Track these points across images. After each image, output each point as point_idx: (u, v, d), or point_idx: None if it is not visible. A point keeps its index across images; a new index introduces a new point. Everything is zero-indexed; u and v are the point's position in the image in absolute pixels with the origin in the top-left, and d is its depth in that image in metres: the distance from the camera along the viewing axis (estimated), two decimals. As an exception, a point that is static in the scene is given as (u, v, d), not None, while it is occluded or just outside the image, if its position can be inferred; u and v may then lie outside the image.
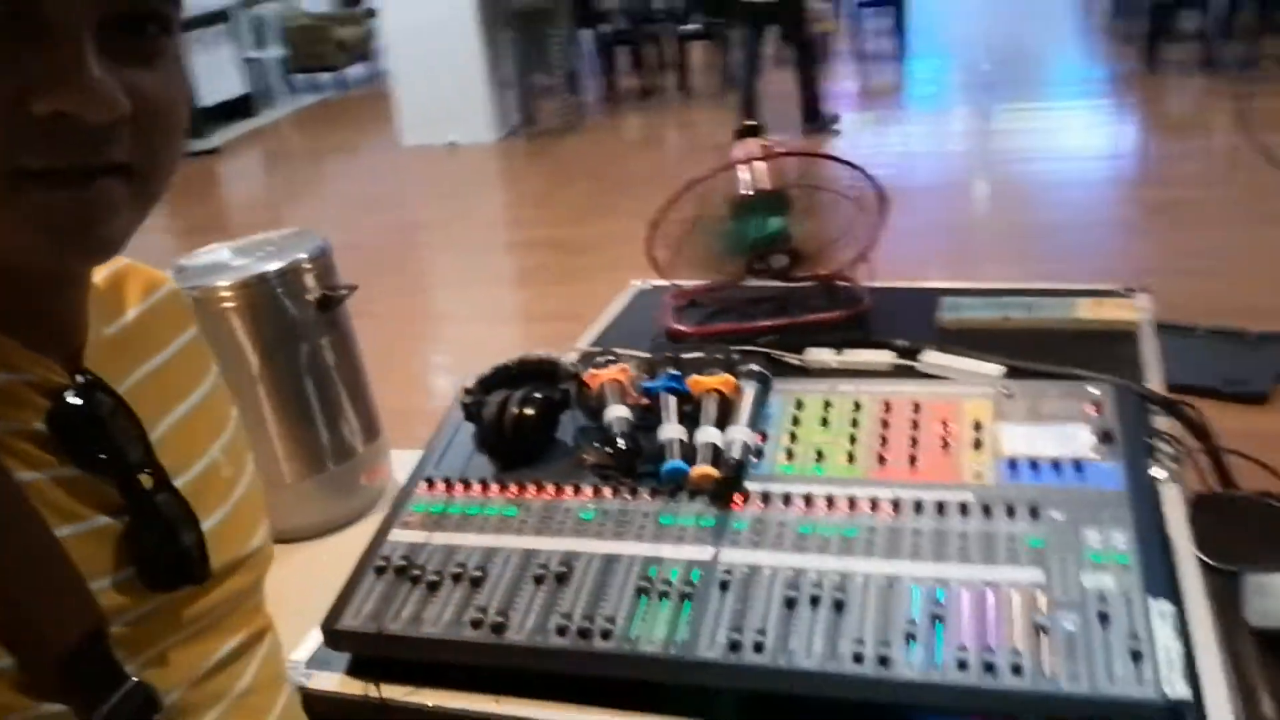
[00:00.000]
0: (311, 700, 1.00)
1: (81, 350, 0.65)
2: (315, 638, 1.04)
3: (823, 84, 7.00)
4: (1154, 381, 1.35)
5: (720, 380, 1.14)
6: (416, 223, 6.19)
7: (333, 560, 1.08)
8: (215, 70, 8.59)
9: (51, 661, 0.57)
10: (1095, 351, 1.44)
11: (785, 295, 1.76)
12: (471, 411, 1.19)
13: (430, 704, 0.97)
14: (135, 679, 0.61)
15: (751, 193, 1.69)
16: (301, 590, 0.97)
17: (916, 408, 1.14)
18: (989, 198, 5.64)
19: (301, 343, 1.37)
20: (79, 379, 0.63)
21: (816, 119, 6.83)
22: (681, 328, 1.70)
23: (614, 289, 4.97)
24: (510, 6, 7.14)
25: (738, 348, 1.41)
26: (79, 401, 0.61)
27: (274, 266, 1.34)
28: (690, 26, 8.45)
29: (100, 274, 0.69)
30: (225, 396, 0.79)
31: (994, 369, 1.39)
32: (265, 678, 0.75)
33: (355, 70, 10.18)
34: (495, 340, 4.42)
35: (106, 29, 0.52)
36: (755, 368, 1.17)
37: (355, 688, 1.00)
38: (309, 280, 1.37)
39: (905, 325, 1.58)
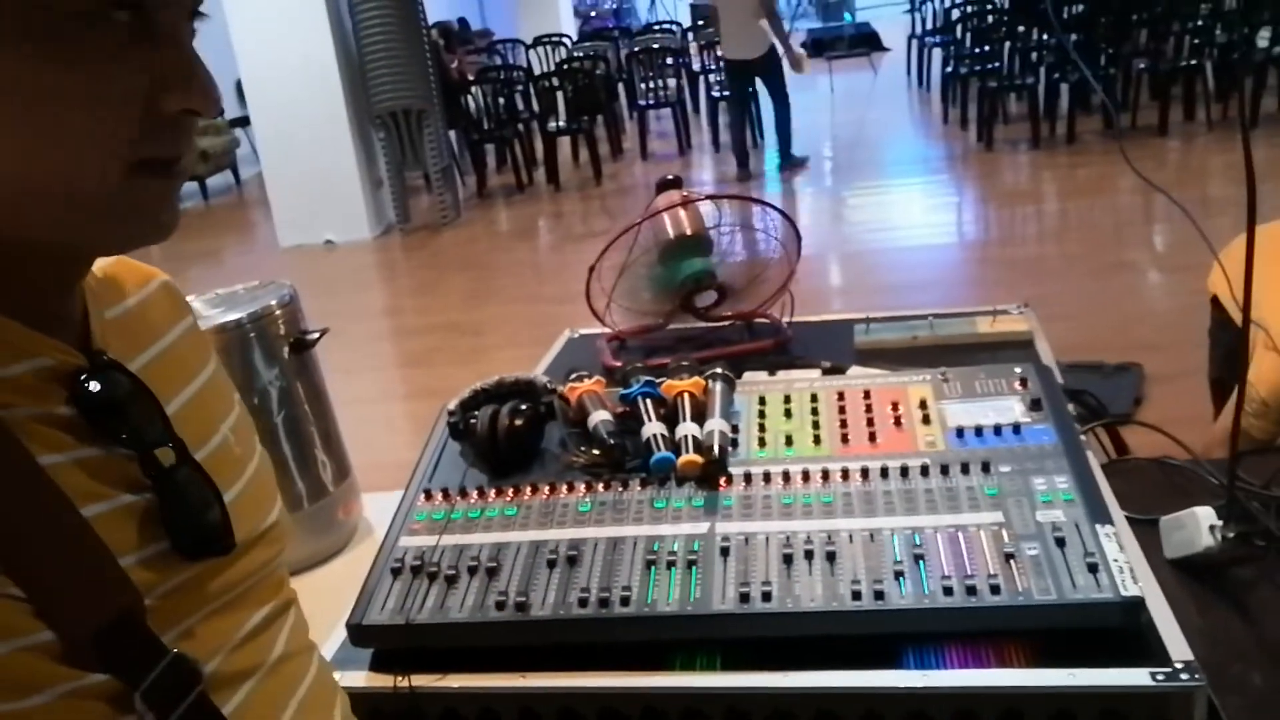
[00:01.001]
0: (337, 701, 1.05)
1: (88, 333, 0.67)
2: (331, 643, 1.09)
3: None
4: (1055, 376, 1.52)
5: (691, 383, 1.26)
6: (298, 320, 6.16)
7: (320, 590, 1.13)
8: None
9: (91, 638, 0.58)
10: (998, 358, 1.61)
11: (710, 332, 1.90)
12: (458, 428, 1.27)
13: (457, 686, 1.03)
14: (175, 650, 0.63)
15: (675, 236, 1.83)
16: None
17: (867, 394, 1.28)
18: (844, 264, 5.96)
19: (274, 386, 1.42)
20: (95, 360, 0.65)
21: (790, 159, 8.19)
22: (618, 364, 1.80)
23: (515, 363, 5.02)
24: (381, 106, 7.25)
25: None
26: (99, 384, 0.63)
27: (246, 312, 1.40)
28: (557, 124, 8.72)
29: (96, 264, 0.71)
30: (228, 383, 0.82)
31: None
32: (296, 647, 0.78)
33: (215, 180, 10.09)
34: (405, 416, 4.44)
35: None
36: (720, 370, 1.29)
37: (382, 681, 1.05)
38: (280, 325, 1.43)
39: (825, 350, 1.73)
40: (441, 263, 7.01)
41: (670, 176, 1.93)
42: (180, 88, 0.58)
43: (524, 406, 1.25)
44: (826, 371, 1.61)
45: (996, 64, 8.36)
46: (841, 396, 1.28)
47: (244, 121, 10.83)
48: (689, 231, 1.83)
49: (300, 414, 1.44)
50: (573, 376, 1.32)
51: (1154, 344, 4.02)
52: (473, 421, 1.25)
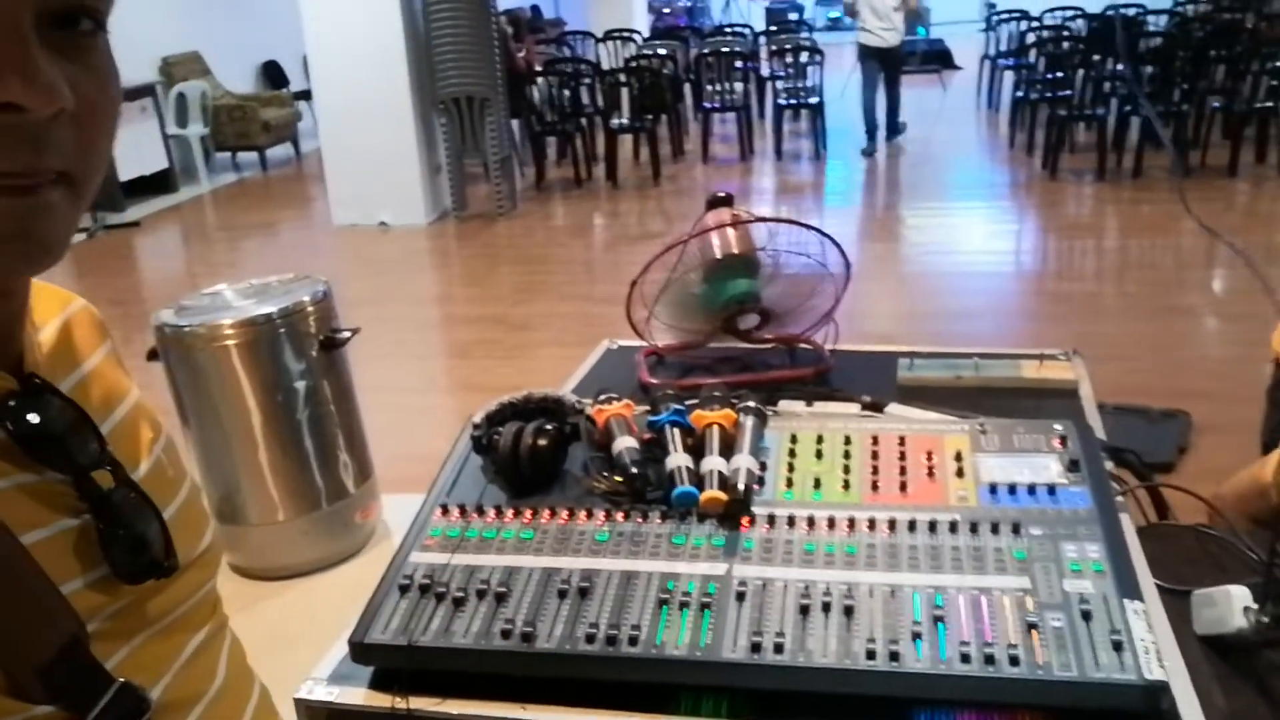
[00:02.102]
0: (336, 715, 1.04)
1: (21, 359, 0.64)
2: (334, 655, 1.08)
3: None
4: (1096, 432, 1.48)
5: (721, 415, 1.23)
6: (347, 298, 6.20)
7: (331, 594, 1.12)
8: (136, 145, 8.54)
9: (35, 669, 0.56)
10: (1041, 407, 1.57)
11: (751, 355, 1.87)
12: (482, 443, 1.25)
13: (456, 712, 1.01)
14: (121, 680, 0.61)
15: (722, 256, 1.80)
16: (303, 621, 1.00)
17: (902, 441, 1.24)
18: (904, 285, 5.90)
19: (302, 383, 1.42)
20: (26, 382, 0.62)
21: (898, 129, 9.65)
22: (654, 381, 1.78)
23: (558, 362, 5.09)
24: (445, 92, 7.28)
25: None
26: (35, 413, 0.61)
27: (277, 306, 1.39)
28: (620, 121, 8.71)
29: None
30: (151, 407, 0.79)
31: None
32: (236, 672, 0.77)
33: (276, 151, 10.21)
34: (441, 409, 4.45)
35: (41, 25, 0.52)
36: (752, 404, 1.26)
37: (381, 700, 1.03)
38: (311, 322, 1.42)
39: (866, 383, 1.69)
40: (494, 253, 7.03)
41: (721, 194, 1.90)
42: None
43: (549, 426, 1.23)
44: (865, 407, 1.59)
45: (1068, 91, 8.22)
46: (876, 441, 1.25)
47: (307, 95, 11.00)
48: (736, 251, 1.80)
49: (325, 413, 1.43)
50: (602, 397, 1.30)
51: (1204, 392, 3.93)
52: (496, 437, 1.23)
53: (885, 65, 9.24)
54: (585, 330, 5.20)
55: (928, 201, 7.94)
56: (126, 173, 8.37)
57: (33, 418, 0.60)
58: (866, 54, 9.25)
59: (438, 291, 6.59)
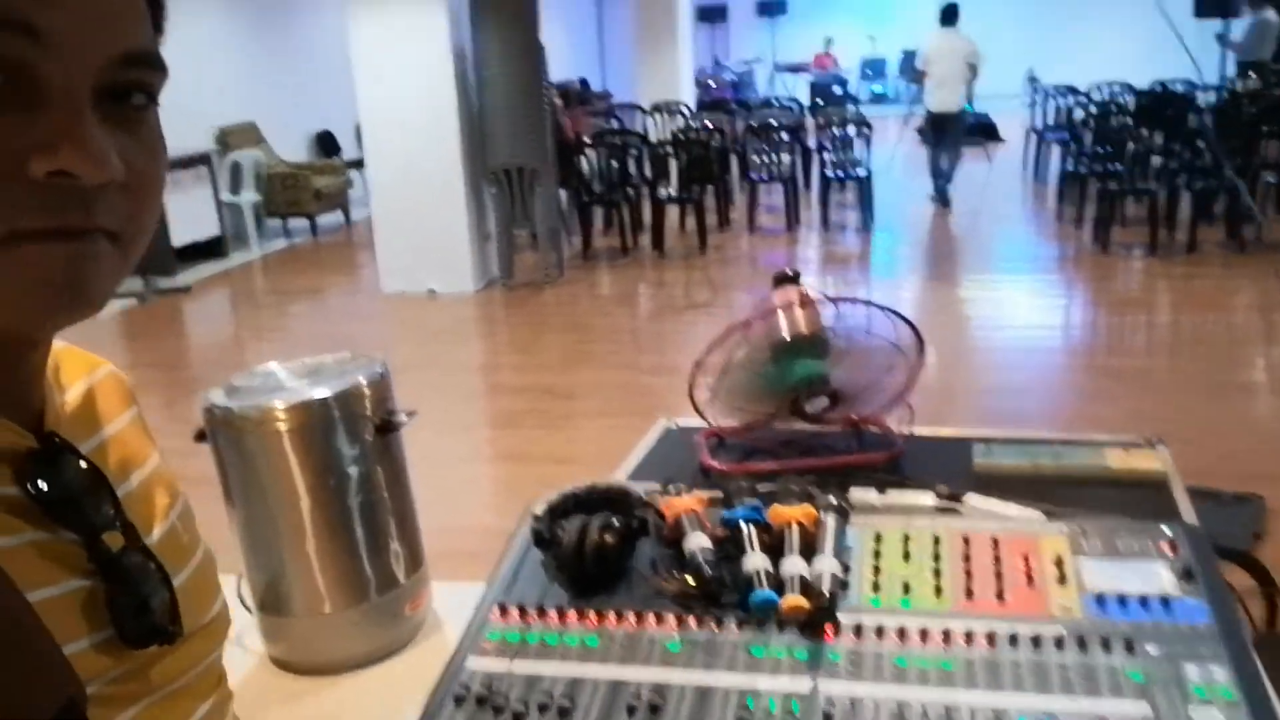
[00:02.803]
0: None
1: (43, 415, 0.65)
2: (386, 767, 1.01)
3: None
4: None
5: (801, 511, 1.15)
6: (395, 365, 6.19)
7: (379, 691, 1.05)
8: (190, 211, 8.66)
9: None
10: (1128, 500, 1.48)
11: (816, 438, 1.79)
12: (543, 537, 1.18)
13: (517, 838, 0.93)
14: None
15: (790, 337, 1.73)
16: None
17: (996, 543, 1.15)
18: (953, 359, 5.79)
19: (355, 468, 1.36)
20: (46, 442, 0.63)
21: (947, 191, 10.15)
22: (717, 465, 1.71)
23: (605, 433, 5.01)
24: (496, 163, 7.33)
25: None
26: (51, 474, 0.61)
27: (331, 390, 1.34)
28: (668, 192, 8.74)
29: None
30: (172, 473, 0.79)
31: (1037, 515, 1.41)
32: None
33: (327, 218, 10.33)
34: (489, 479, 4.39)
35: (97, 98, 0.54)
36: (833, 500, 1.18)
37: (435, 820, 0.96)
38: (367, 405, 1.36)
39: (940, 469, 1.61)
40: (541, 321, 7.01)
41: (789, 271, 1.84)
42: (50, 149, 0.52)
43: (615, 521, 1.16)
44: (941, 497, 1.50)
45: (1117, 165, 8.14)
46: (967, 541, 1.16)
47: (359, 164, 11.16)
48: (804, 331, 1.73)
49: (378, 499, 1.37)
50: (670, 488, 1.22)
51: (1273, 475, 3.78)
52: (560, 532, 1.16)
53: (948, 129, 9.90)
54: (633, 401, 5.14)
55: (976, 274, 7.85)
56: (180, 238, 8.48)
57: (49, 478, 0.61)
58: (931, 118, 10.05)
59: (484, 360, 6.57)
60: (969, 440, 1.74)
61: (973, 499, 1.49)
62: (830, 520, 1.15)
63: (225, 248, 9.18)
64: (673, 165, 8.92)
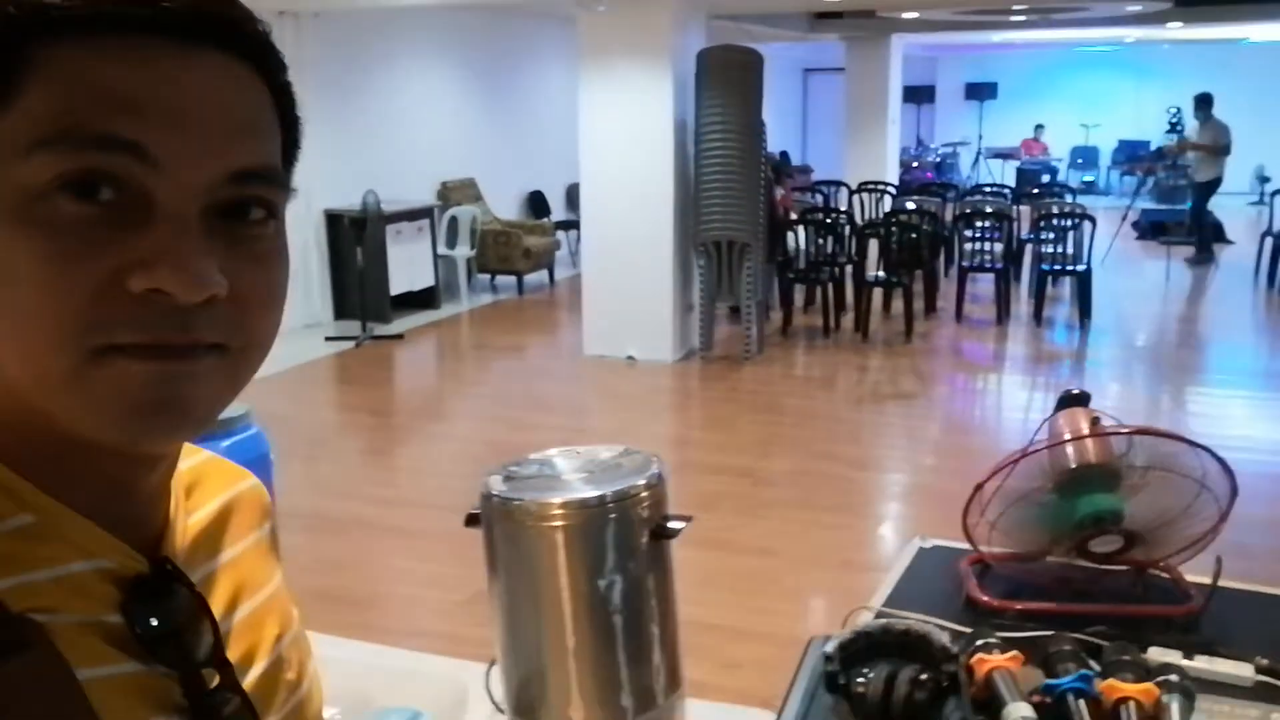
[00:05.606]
0: None
1: (162, 535, 0.63)
2: None
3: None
4: None
5: (1140, 689, 1.02)
6: (590, 429, 6.25)
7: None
8: (410, 263, 9.05)
9: None
10: None
11: (1093, 579, 1.63)
12: (838, 682, 1.09)
13: None
14: None
15: (1076, 465, 1.60)
16: None
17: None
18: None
19: (625, 574, 1.30)
20: (158, 568, 0.61)
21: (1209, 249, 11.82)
22: (986, 599, 1.58)
23: (810, 529, 4.85)
24: (707, 235, 7.36)
25: (1044, 632, 1.28)
26: (158, 598, 0.59)
27: (611, 488, 1.29)
28: (875, 275, 8.62)
29: (187, 462, 0.68)
30: (290, 596, 0.76)
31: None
32: None
33: (532, 277, 10.62)
34: (690, 565, 4.30)
35: (210, 214, 0.54)
36: (1175, 678, 1.05)
37: None
38: (643, 509, 1.31)
39: (1250, 632, 1.44)
40: (737, 399, 6.95)
41: (1075, 390, 1.71)
42: (149, 267, 0.52)
43: (925, 676, 1.06)
44: (1261, 671, 1.33)
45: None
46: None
47: (566, 225, 11.46)
48: (1094, 460, 1.60)
49: (644, 608, 1.30)
50: (980, 644, 1.11)
51: None
52: (859, 680, 1.07)
53: (1205, 194, 11.57)
54: (836, 495, 4.99)
55: (1203, 386, 7.34)
56: (397, 287, 8.86)
57: (155, 610, 0.59)
58: (1195, 188, 11.77)
59: (679, 433, 6.54)
60: (1274, 596, 1.56)
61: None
62: (1174, 705, 1.02)
63: (437, 299, 9.53)
64: (879, 247, 8.78)
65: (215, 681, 0.61)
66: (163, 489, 0.64)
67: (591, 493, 1.30)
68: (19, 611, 0.52)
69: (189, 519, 0.67)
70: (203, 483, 0.70)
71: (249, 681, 0.65)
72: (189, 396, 0.55)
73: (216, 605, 0.64)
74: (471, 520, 1.35)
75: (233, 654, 0.64)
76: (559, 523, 1.32)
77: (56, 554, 0.56)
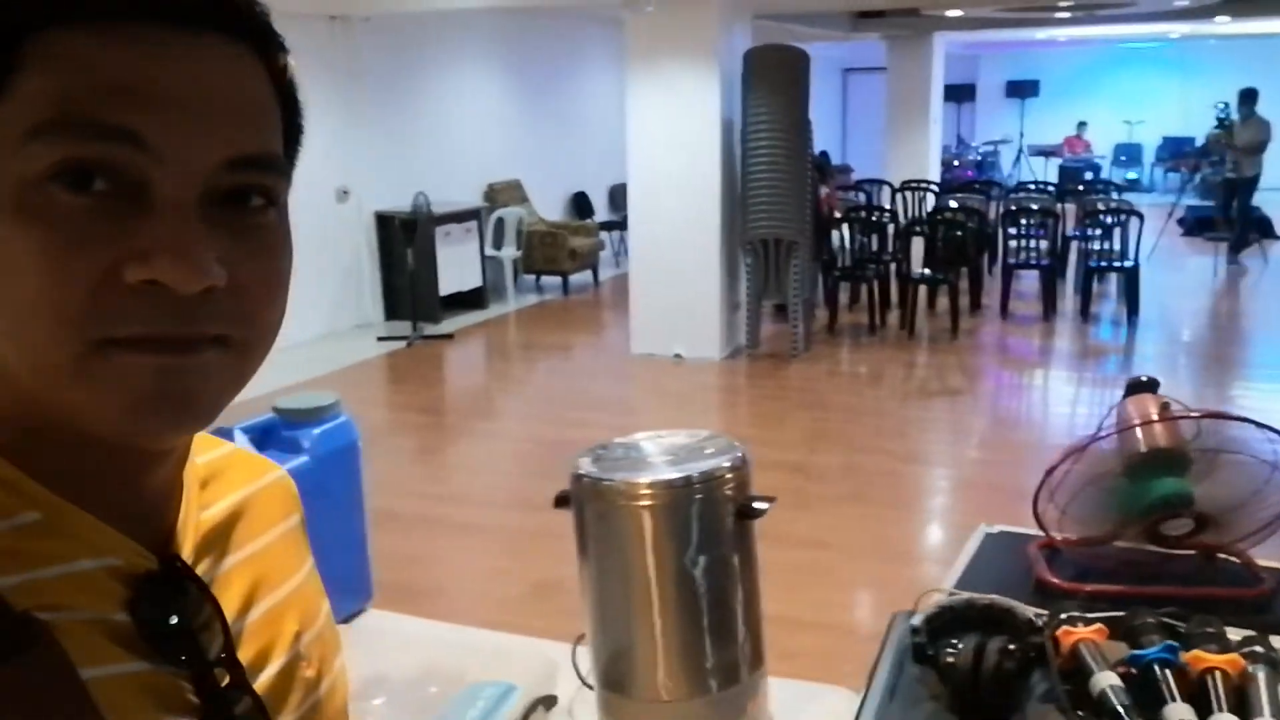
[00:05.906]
0: None
1: (173, 532, 0.61)
2: None
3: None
4: None
5: (1226, 659, 1.06)
6: (639, 427, 6.28)
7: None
8: (459, 264, 9.15)
9: None
10: None
11: (1161, 563, 1.66)
12: (926, 653, 1.13)
13: None
14: None
15: (1146, 449, 1.63)
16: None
17: None
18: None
19: (710, 553, 1.35)
20: (167, 565, 0.59)
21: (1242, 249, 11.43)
22: (1057, 581, 1.61)
23: (864, 521, 4.87)
24: (754, 233, 7.40)
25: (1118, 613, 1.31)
26: (167, 596, 0.58)
27: (697, 469, 1.34)
28: (921, 272, 8.61)
29: (205, 456, 0.67)
30: (318, 590, 0.74)
31: None
32: None
33: (577, 277, 10.69)
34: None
35: (208, 202, 0.53)
36: (1261, 649, 1.08)
37: None
38: (728, 489, 1.36)
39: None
40: (785, 395, 6.98)
41: (1144, 377, 1.74)
42: (145, 257, 0.51)
43: (1013, 646, 1.10)
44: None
45: None
46: None
47: (609, 225, 11.53)
48: (1163, 444, 1.63)
49: (729, 586, 1.35)
50: (1064, 617, 1.15)
51: None
52: (949, 651, 1.11)
53: (1246, 191, 11.29)
54: (886, 489, 5.01)
55: (1252, 381, 7.27)
56: (446, 288, 8.97)
57: (162, 608, 0.57)
58: (1229, 184, 11.58)
59: (728, 429, 6.44)
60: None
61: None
62: (1262, 675, 1.05)
63: (485, 299, 9.63)
64: (926, 244, 8.77)
65: (225, 681, 0.60)
66: (172, 484, 0.62)
67: (678, 474, 1.35)
68: (24, 609, 0.51)
69: (202, 514, 0.65)
70: (220, 477, 0.68)
71: (264, 679, 0.64)
72: (192, 390, 0.54)
73: (230, 602, 0.63)
74: (561, 501, 1.40)
75: (247, 651, 0.63)
76: (647, 502, 1.37)
77: (63, 551, 0.55)
